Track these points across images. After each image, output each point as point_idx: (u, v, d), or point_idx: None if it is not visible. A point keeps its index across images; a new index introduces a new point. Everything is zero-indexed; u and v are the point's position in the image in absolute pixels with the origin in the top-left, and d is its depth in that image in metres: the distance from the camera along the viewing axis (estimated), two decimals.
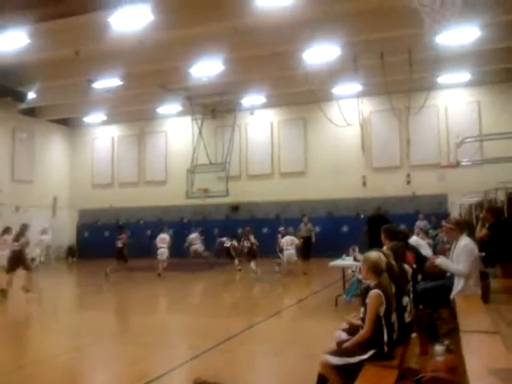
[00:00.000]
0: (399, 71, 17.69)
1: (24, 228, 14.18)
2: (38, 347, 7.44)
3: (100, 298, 13.34)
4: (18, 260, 13.25)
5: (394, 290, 4.60)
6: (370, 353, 4.07)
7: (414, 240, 8.62)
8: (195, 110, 23.29)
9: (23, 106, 21.62)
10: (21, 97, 20.29)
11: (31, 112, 24.70)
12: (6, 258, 13.61)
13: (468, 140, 16.60)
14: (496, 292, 6.58)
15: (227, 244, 18.42)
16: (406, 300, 4.74)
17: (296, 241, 16.90)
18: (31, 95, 20.57)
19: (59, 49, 16.38)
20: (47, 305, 12.63)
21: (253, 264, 16.33)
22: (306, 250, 21.74)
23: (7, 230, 14.34)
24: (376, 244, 11.31)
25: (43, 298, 13.61)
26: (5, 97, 19.61)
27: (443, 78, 19.78)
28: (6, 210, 23.61)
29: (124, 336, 8.01)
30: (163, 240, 17.84)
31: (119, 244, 17.27)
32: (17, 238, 13.62)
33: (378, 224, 12.88)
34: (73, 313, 11.26)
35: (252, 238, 17.63)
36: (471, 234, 6.64)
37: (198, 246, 20.51)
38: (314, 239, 21.71)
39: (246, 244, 17.47)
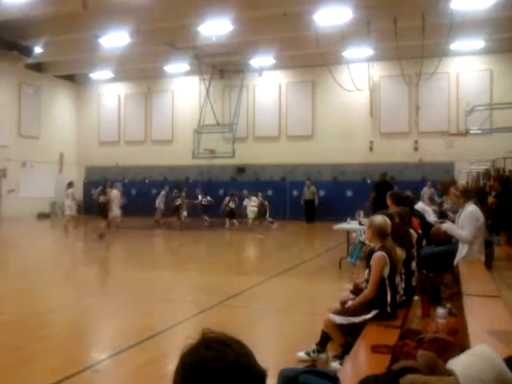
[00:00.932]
0: (412, 36, 17.34)
1: (109, 184, 17.68)
2: (45, 299, 7.61)
3: (107, 253, 13.55)
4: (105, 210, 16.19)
5: (404, 256, 4.69)
6: (373, 313, 4.16)
7: (419, 206, 8.66)
8: (203, 69, 23.01)
9: (30, 60, 21.42)
10: (27, 51, 20.08)
11: (38, 67, 24.50)
12: (70, 208, 17.02)
13: (478, 108, 16.44)
14: (499, 259, 6.65)
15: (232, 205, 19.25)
16: (414, 265, 4.82)
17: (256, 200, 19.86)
18: (38, 50, 20.38)
19: (66, 2, 16.13)
20: (56, 258, 12.84)
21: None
22: (310, 213, 21.94)
23: (70, 185, 17.27)
24: (382, 209, 11.42)
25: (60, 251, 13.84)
26: (11, 50, 19.41)
27: (456, 45, 19.39)
28: (12, 166, 23.79)
29: (130, 290, 8.16)
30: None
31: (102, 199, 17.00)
32: (104, 193, 16.72)
33: (383, 190, 12.99)
34: (80, 266, 11.46)
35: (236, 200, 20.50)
36: (482, 202, 6.66)
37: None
38: (316, 202, 21.88)
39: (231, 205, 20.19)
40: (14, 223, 21.66)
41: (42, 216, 24.92)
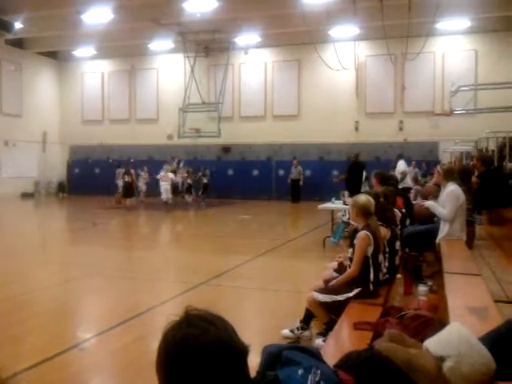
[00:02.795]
0: (398, 15, 17.29)
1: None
2: (30, 279, 7.59)
3: (92, 233, 13.49)
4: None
5: (389, 235, 4.75)
6: (356, 291, 4.23)
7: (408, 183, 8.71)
8: (188, 47, 22.72)
9: (10, 36, 20.93)
10: (7, 26, 19.61)
11: (19, 43, 23.99)
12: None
13: (462, 89, 16.47)
14: (481, 238, 6.75)
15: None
16: (398, 244, 4.89)
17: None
18: (18, 25, 19.88)
19: None
20: (41, 238, 12.78)
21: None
22: (295, 193, 22.03)
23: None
24: (354, 188, 11.59)
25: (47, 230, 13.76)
26: None
27: (442, 25, 19.40)
28: None
29: (115, 270, 8.18)
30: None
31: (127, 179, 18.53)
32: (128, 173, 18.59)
33: (355, 170, 13.21)
34: (66, 246, 11.42)
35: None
36: (466, 181, 6.73)
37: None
38: (301, 182, 21.97)
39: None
40: None
41: (25, 195, 24.67)
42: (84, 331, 5.24)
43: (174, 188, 20.28)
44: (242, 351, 1.28)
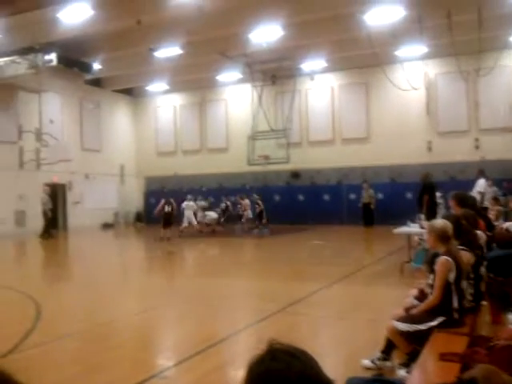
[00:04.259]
0: (468, 31, 16.80)
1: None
2: (111, 308, 7.88)
3: (165, 261, 13.87)
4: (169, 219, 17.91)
5: (473, 260, 4.53)
6: (440, 319, 4.04)
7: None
8: (255, 76, 23.21)
9: (89, 76, 22.33)
10: (86, 68, 20.95)
11: (97, 83, 25.52)
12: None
13: None
14: None
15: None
16: (483, 269, 4.65)
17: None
18: (96, 66, 21.22)
19: (122, 19, 16.75)
20: (121, 267, 13.29)
21: None
22: (367, 217, 21.62)
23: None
24: (429, 210, 11.11)
25: (115, 260, 14.34)
26: (72, 68, 20.30)
27: None
28: (76, 178, 24.83)
29: (190, 299, 8.30)
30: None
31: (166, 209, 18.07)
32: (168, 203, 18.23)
33: (428, 192, 12.64)
34: (143, 275, 11.79)
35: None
36: None
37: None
38: (373, 206, 21.55)
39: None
40: (79, 233, 22.59)
41: (105, 226, 25.84)
42: (165, 359, 5.34)
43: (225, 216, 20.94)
44: None
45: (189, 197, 20.58)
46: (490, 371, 2.03)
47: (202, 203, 21.96)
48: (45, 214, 19.34)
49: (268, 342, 1.32)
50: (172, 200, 18.47)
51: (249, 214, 21.57)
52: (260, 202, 21.77)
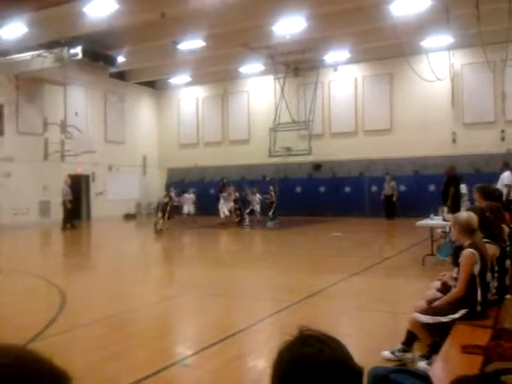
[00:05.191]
0: (496, 20, 16.42)
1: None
2: (132, 297, 7.99)
3: (187, 251, 13.99)
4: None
5: (498, 253, 4.48)
6: (462, 312, 4.01)
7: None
8: (277, 68, 23.10)
9: (113, 69, 22.53)
10: (111, 61, 21.12)
11: (121, 75, 25.74)
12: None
13: None
14: None
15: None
16: (508, 262, 4.59)
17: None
18: (121, 59, 21.39)
19: (146, 12, 16.82)
20: (141, 257, 13.46)
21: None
22: (389, 209, 21.48)
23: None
24: (453, 203, 10.94)
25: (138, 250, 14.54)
26: (96, 61, 20.51)
27: None
28: (100, 169, 25.17)
29: (209, 288, 8.33)
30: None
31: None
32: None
33: (453, 184, 12.45)
34: (162, 265, 11.92)
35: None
36: None
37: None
38: (395, 198, 21.39)
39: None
40: (102, 224, 22.92)
41: (128, 217, 26.15)
42: (185, 348, 5.39)
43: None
44: (357, 372, 1.27)
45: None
46: None
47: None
48: (64, 205, 19.64)
49: (299, 328, 1.32)
50: (172, 191, 19.35)
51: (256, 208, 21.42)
52: (273, 193, 21.64)
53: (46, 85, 22.62)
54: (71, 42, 19.17)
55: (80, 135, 22.37)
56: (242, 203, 21.36)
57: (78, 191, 23.85)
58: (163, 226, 17.57)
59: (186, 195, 22.30)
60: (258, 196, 21.46)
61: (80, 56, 19.37)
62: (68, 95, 23.23)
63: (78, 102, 24.16)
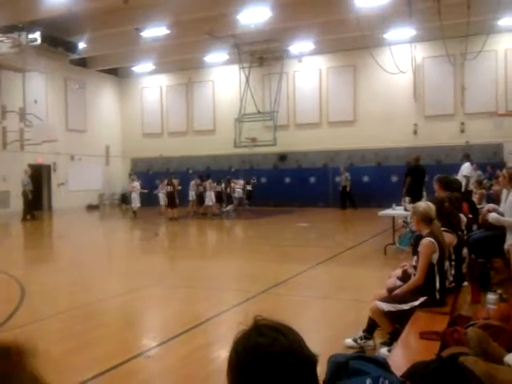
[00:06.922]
0: (456, 14, 16.81)
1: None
2: (96, 288, 7.89)
3: (153, 243, 13.87)
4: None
5: (455, 241, 4.61)
6: (422, 299, 4.12)
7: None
8: (242, 58, 23.03)
9: (74, 56, 21.96)
10: (72, 47, 20.61)
11: (82, 62, 25.14)
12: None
13: None
14: None
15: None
16: (465, 251, 4.73)
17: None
18: (82, 45, 20.87)
19: None
20: (105, 249, 13.26)
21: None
22: (343, 199, 21.88)
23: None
24: (415, 193, 11.19)
25: (106, 241, 14.30)
26: (56, 47, 19.96)
27: (504, 21, 18.65)
28: (61, 159, 24.59)
29: (176, 279, 8.34)
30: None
31: (169, 189, 18.87)
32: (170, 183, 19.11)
33: (416, 174, 12.72)
34: (128, 256, 11.79)
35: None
36: None
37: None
38: (348, 189, 21.82)
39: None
40: (64, 215, 22.45)
41: (90, 207, 25.70)
42: (149, 339, 5.37)
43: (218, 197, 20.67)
44: (311, 360, 1.29)
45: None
46: (481, 335, 2.08)
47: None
48: (25, 195, 19.14)
49: (254, 318, 1.34)
50: (174, 180, 19.32)
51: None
52: (225, 185, 21.34)
53: (2, 71, 21.86)
54: (30, 27, 18.58)
55: (40, 123, 21.74)
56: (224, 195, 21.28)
57: (39, 181, 23.26)
58: (174, 213, 18.48)
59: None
60: (238, 186, 21.45)
61: (39, 42, 18.81)
62: (27, 82, 22.48)
63: (38, 90, 23.46)
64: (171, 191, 18.81)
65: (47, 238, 16.34)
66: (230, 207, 20.92)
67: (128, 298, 7.13)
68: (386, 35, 20.16)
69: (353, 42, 21.04)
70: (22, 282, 7.84)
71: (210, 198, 20.09)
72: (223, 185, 21.06)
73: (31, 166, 20.78)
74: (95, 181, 26.46)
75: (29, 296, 6.99)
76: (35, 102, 22.83)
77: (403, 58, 20.78)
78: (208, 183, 20.26)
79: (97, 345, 5.00)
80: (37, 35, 18.67)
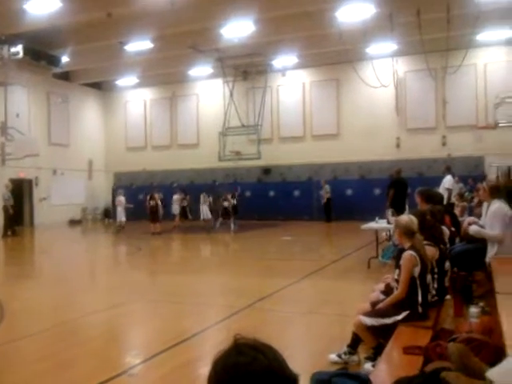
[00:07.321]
0: (436, 29, 17.12)
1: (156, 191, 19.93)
2: (79, 305, 7.77)
3: (137, 258, 13.74)
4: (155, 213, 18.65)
5: (437, 255, 4.63)
6: (404, 314, 4.13)
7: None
8: (226, 71, 23.12)
9: (57, 69, 21.82)
10: (55, 61, 20.46)
11: (65, 76, 25.01)
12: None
13: (507, 100, 16.09)
14: None
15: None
16: (447, 264, 4.76)
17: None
18: (65, 59, 20.76)
19: (91, 11, 16.44)
20: (88, 264, 13.10)
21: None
22: (327, 212, 21.98)
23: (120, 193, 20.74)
24: (398, 206, 11.27)
25: (86, 256, 14.12)
26: (39, 61, 19.79)
27: (483, 36, 19.04)
28: (44, 173, 24.33)
29: (161, 295, 8.25)
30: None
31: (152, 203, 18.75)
32: (152, 198, 18.95)
33: (398, 187, 12.84)
34: (112, 272, 11.65)
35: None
36: None
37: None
38: (324, 201, 22.04)
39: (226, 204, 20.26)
40: (46, 230, 22.15)
41: (73, 222, 25.41)
42: (133, 356, 5.29)
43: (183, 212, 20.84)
44: (291, 380, 1.28)
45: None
46: (462, 350, 2.08)
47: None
48: (6, 210, 18.86)
49: (233, 336, 1.33)
50: (156, 194, 19.18)
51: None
52: (209, 200, 21.30)
53: None
54: (12, 40, 18.42)
55: (22, 138, 21.46)
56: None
57: (21, 196, 22.95)
58: (157, 228, 18.35)
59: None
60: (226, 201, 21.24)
61: (21, 55, 18.63)
62: (9, 96, 22.22)
63: (20, 103, 23.23)
64: (153, 205, 18.64)
65: (29, 254, 16.10)
66: (219, 221, 20.81)
67: (111, 314, 7.03)
68: (368, 49, 20.43)
69: (336, 56, 21.27)
70: (2, 299, 7.68)
71: (206, 212, 20.15)
72: (211, 198, 21.09)
73: (12, 181, 20.51)
74: (78, 195, 26.20)
75: (9, 314, 6.85)
76: (17, 115, 22.57)
77: (385, 72, 21.06)
78: (202, 197, 20.53)
79: (78, 363, 4.91)
80: (19, 48, 18.51)
